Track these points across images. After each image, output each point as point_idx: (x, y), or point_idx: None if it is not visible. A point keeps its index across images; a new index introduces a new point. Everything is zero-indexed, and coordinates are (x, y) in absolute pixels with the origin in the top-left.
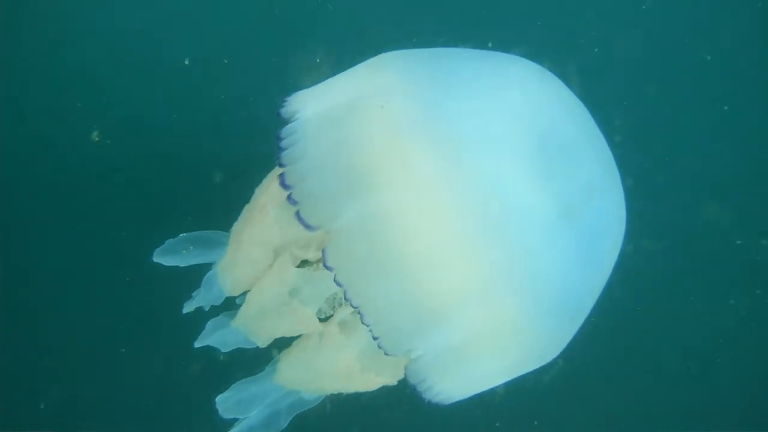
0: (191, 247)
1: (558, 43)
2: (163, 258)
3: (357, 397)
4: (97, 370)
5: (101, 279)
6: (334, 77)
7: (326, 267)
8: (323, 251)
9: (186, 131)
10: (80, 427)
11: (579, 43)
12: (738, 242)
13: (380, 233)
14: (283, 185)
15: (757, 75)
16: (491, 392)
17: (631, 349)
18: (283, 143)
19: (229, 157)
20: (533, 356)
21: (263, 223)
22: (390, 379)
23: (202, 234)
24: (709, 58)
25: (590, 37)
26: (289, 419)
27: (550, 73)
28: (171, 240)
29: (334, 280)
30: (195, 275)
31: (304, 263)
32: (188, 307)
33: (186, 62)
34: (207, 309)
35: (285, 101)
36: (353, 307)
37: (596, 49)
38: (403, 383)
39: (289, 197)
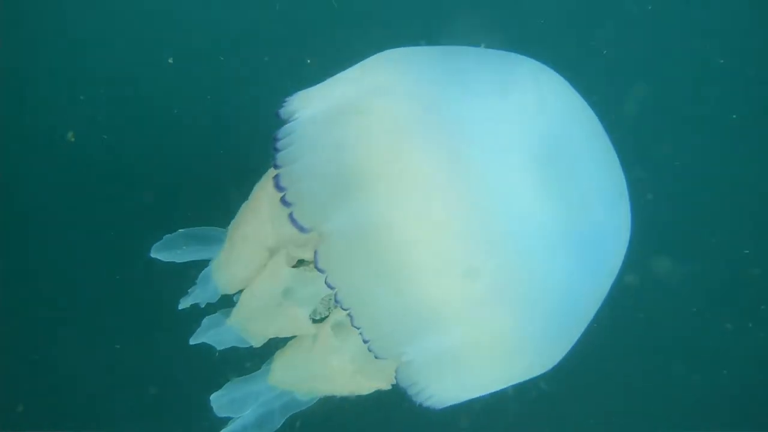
0: (185, 246)
1: (566, 45)
2: (161, 253)
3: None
4: (91, 365)
5: (97, 274)
6: (335, 76)
7: (317, 269)
8: (315, 253)
9: (188, 130)
10: (75, 423)
11: (589, 45)
12: (746, 251)
13: (373, 238)
14: (278, 187)
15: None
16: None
17: (631, 352)
18: (279, 144)
19: (231, 154)
20: (530, 366)
21: (257, 222)
22: (383, 383)
23: (200, 230)
24: (722, 61)
25: (599, 39)
26: (284, 419)
27: (557, 75)
28: (169, 236)
29: (326, 282)
30: (194, 271)
31: (301, 262)
32: (184, 304)
33: (170, 61)
34: (202, 306)
35: (285, 101)
36: (344, 310)
37: (605, 51)
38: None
39: (282, 199)
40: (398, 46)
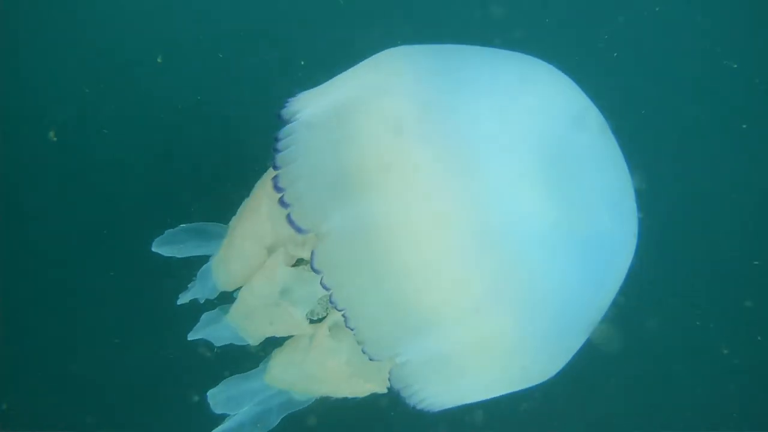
0: (186, 241)
1: (574, 47)
2: (162, 248)
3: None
4: (89, 359)
5: (95, 270)
6: (338, 76)
7: (313, 269)
8: (311, 253)
9: (191, 128)
10: (71, 415)
11: (597, 47)
12: (755, 263)
13: (371, 239)
14: (276, 187)
15: None
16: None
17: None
18: (279, 145)
19: (236, 152)
20: (530, 373)
21: (256, 220)
22: (379, 386)
23: (201, 226)
24: (735, 66)
25: (606, 41)
26: (280, 418)
27: (564, 75)
28: (170, 230)
29: (321, 283)
30: (195, 267)
31: (300, 261)
32: (183, 299)
33: (158, 60)
34: (202, 302)
35: (287, 101)
36: (338, 311)
37: (615, 54)
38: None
39: (280, 200)
40: (400, 45)
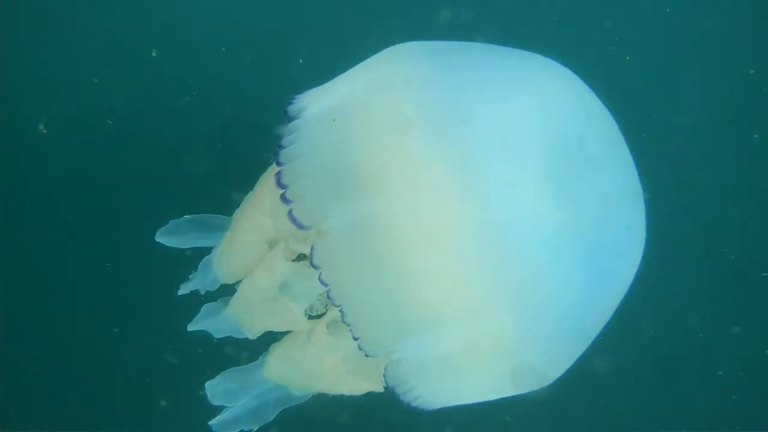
0: (190, 232)
1: (586, 49)
2: (165, 238)
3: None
4: (88, 350)
5: (97, 261)
6: (343, 73)
7: (312, 265)
8: (311, 249)
9: (190, 127)
10: (69, 407)
11: (609, 50)
12: (764, 274)
13: (370, 237)
14: (279, 184)
15: None
16: None
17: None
18: (282, 141)
19: (235, 150)
20: (531, 377)
21: (258, 215)
22: (376, 384)
23: (205, 217)
24: (752, 71)
25: (618, 44)
26: (276, 412)
27: (573, 74)
28: (174, 221)
29: (319, 278)
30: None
31: (301, 257)
32: (183, 290)
33: (153, 54)
34: (202, 293)
35: (293, 99)
36: (336, 307)
37: (628, 57)
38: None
39: (283, 196)
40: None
